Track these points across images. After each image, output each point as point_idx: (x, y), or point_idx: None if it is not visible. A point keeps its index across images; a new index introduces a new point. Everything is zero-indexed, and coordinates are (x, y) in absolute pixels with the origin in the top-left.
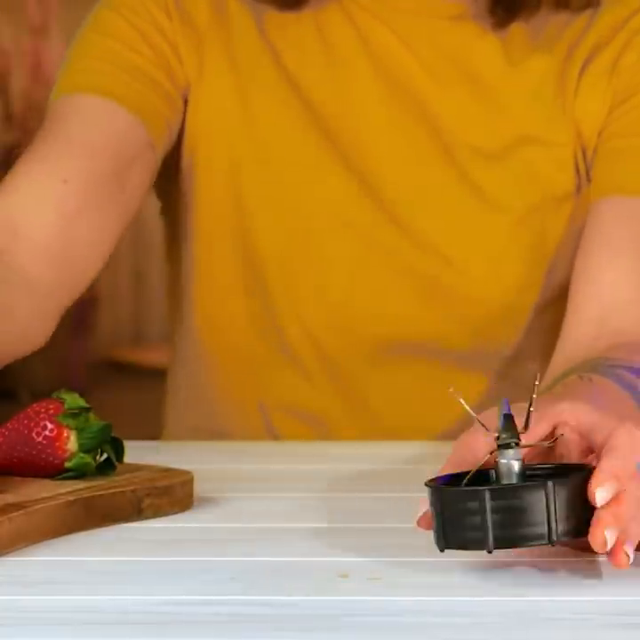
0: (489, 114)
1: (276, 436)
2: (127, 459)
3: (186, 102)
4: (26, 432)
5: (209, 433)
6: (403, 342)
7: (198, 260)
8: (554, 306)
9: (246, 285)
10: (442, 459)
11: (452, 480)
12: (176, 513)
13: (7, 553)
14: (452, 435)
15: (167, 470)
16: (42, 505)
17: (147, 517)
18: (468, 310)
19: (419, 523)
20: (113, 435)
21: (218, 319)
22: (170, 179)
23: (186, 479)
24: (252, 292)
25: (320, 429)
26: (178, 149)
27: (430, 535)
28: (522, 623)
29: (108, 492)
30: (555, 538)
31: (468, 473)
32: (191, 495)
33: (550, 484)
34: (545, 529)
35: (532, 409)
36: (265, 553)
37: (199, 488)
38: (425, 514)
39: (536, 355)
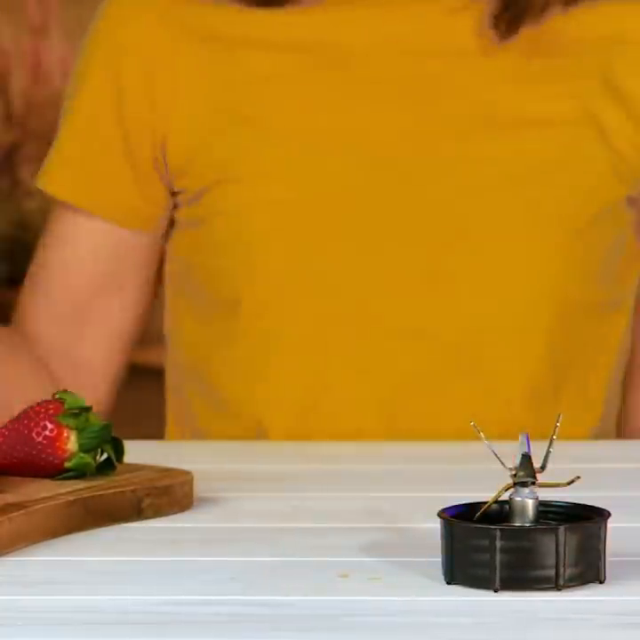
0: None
1: (268, 435)
2: (127, 459)
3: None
4: (26, 432)
5: (195, 432)
6: (400, 331)
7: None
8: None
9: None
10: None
11: (466, 511)
12: (176, 513)
13: (7, 553)
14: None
15: (167, 470)
16: (42, 505)
17: (147, 517)
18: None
19: None
20: (113, 435)
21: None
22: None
23: (186, 479)
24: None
25: (312, 427)
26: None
27: (429, 535)
28: (522, 623)
29: (108, 492)
30: (562, 583)
31: (482, 504)
32: (191, 495)
33: (562, 529)
34: (553, 573)
35: (551, 450)
36: (264, 553)
37: (199, 488)
38: None
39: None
